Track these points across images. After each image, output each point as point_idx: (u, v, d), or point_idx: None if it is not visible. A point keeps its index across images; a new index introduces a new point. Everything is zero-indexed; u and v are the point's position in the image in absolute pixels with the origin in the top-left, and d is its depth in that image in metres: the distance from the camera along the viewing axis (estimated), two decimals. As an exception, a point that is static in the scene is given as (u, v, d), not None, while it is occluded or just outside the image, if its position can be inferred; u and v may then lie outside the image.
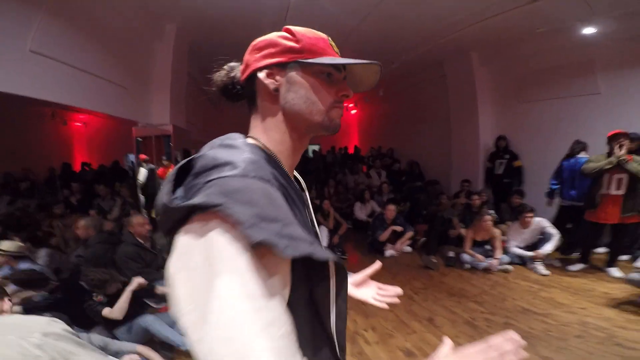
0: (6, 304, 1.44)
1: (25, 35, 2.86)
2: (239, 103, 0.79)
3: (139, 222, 3.44)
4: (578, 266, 4.00)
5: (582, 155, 4.25)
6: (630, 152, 3.49)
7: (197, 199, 0.49)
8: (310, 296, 0.63)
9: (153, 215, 4.57)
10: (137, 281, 2.63)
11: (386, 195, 6.36)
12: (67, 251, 4.09)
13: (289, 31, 0.69)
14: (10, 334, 1.11)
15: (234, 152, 0.59)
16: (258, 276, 0.48)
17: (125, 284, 2.64)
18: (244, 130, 0.76)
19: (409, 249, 5.04)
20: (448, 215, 5.04)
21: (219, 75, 0.77)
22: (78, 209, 5.03)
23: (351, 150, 10.48)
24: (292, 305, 0.56)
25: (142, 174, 5.31)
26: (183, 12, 4.69)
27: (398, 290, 0.97)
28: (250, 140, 0.68)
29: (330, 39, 0.72)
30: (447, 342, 0.65)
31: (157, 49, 4.94)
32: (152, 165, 5.35)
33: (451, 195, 6.15)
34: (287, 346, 0.48)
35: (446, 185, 6.99)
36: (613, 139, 3.54)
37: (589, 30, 4.61)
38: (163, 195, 0.56)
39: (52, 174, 7.40)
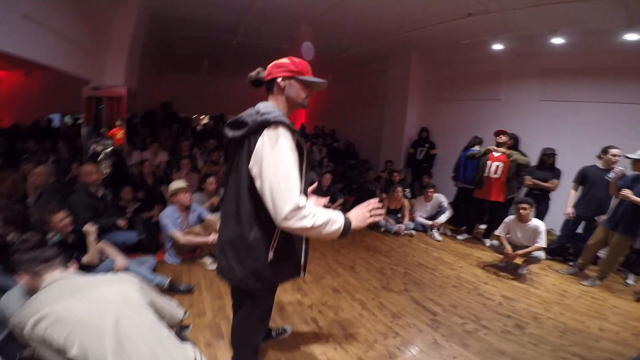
0: (74, 264, 1.60)
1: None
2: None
3: (88, 171, 3.43)
4: (464, 236, 5.01)
5: (476, 148, 5.16)
6: (509, 147, 4.38)
7: (276, 120, 1.26)
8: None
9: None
10: (92, 230, 2.72)
11: (325, 168, 6.92)
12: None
13: (292, 60, 1.40)
14: (121, 284, 1.43)
15: (272, 107, 1.35)
16: (293, 144, 1.28)
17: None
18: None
19: (339, 214, 5.68)
20: (373, 188, 5.81)
21: (252, 75, 1.47)
22: (6, 164, 4.64)
23: (297, 127, 10.71)
24: None
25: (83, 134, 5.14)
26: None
27: (326, 200, 1.82)
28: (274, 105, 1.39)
29: (308, 64, 1.43)
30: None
31: (120, 15, 4.78)
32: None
33: (378, 172, 6.93)
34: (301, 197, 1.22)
35: (375, 164, 7.72)
36: (495, 134, 4.41)
37: (498, 46, 5.38)
38: (259, 116, 1.28)
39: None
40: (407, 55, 6.97)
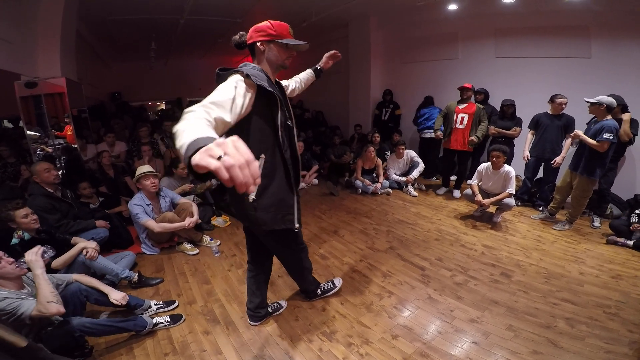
0: None
1: None
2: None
3: (42, 168, 2.82)
4: (442, 190, 4.82)
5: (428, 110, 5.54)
6: (478, 102, 4.41)
7: (240, 70, 1.27)
8: (273, 121, 1.42)
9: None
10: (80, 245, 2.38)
11: (298, 138, 6.48)
12: None
13: (271, 23, 1.35)
14: None
15: (251, 66, 1.39)
16: (240, 92, 1.19)
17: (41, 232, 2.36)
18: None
19: (316, 181, 5.41)
20: (341, 151, 5.49)
21: (235, 38, 1.47)
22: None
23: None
24: (264, 128, 1.41)
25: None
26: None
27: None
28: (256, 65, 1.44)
29: (289, 27, 1.41)
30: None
31: (45, 3, 3.92)
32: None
33: (348, 137, 6.65)
34: (212, 114, 1.00)
35: (344, 130, 7.45)
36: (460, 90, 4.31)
37: (453, 7, 5.19)
38: (233, 70, 1.29)
39: None
40: (367, 21, 6.63)
